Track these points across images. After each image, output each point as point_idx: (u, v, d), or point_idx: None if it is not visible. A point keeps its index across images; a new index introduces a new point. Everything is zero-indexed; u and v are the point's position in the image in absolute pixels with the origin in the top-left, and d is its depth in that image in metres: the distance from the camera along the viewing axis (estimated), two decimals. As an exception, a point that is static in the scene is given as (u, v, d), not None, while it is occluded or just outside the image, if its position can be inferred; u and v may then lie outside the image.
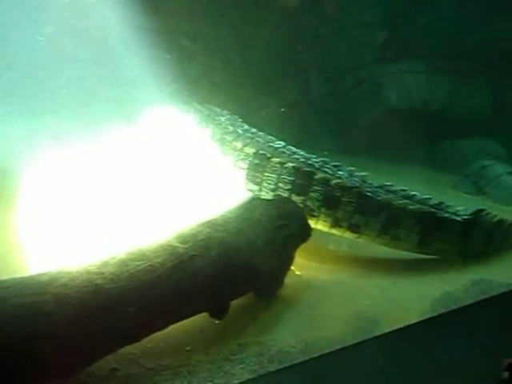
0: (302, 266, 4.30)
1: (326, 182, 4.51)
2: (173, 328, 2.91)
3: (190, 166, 4.37)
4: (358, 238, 4.63)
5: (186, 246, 2.67)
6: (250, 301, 3.66)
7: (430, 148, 7.76)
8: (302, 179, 4.55)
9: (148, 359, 2.84)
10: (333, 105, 8.71)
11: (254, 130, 5.18)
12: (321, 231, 4.62)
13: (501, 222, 4.98)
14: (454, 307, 3.77)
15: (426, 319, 3.50)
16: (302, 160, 4.69)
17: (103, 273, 2.40)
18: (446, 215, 4.67)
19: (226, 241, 3.00)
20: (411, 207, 4.53)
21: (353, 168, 4.78)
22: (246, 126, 5.25)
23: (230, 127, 5.13)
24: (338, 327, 3.56)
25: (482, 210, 4.91)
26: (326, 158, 4.86)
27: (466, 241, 4.79)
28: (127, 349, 2.73)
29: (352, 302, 3.90)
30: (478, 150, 7.86)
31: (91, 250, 2.78)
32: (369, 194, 4.50)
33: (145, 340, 2.77)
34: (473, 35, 8.25)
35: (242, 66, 7.35)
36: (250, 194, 4.31)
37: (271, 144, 4.88)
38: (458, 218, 4.70)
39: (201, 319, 3.15)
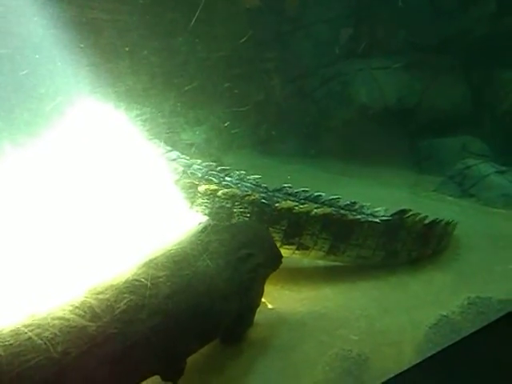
0: (275, 297, 3.73)
1: (212, 193, 3.95)
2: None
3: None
4: None
5: (98, 324, 1.95)
6: (215, 348, 3.05)
7: (407, 148, 7.27)
8: (184, 192, 3.95)
9: None
10: (299, 106, 8.17)
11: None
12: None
13: (434, 223, 4.51)
14: (456, 338, 3.20)
15: (426, 359, 2.91)
16: (182, 169, 4.12)
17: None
18: (359, 217, 4.15)
19: (160, 308, 2.25)
20: (315, 211, 4.01)
21: (243, 172, 4.26)
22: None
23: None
24: (320, 373, 3.00)
25: (406, 210, 4.38)
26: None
27: (392, 246, 4.29)
28: None
29: (335, 338, 3.31)
30: (459, 148, 7.30)
31: None
32: (264, 200, 3.98)
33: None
34: (445, 26, 7.76)
35: (198, 67, 6.61)
36: (202, 219, 3.63)
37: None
38: (376, 220, 4.20)
39: (151, 382, 2.52)
